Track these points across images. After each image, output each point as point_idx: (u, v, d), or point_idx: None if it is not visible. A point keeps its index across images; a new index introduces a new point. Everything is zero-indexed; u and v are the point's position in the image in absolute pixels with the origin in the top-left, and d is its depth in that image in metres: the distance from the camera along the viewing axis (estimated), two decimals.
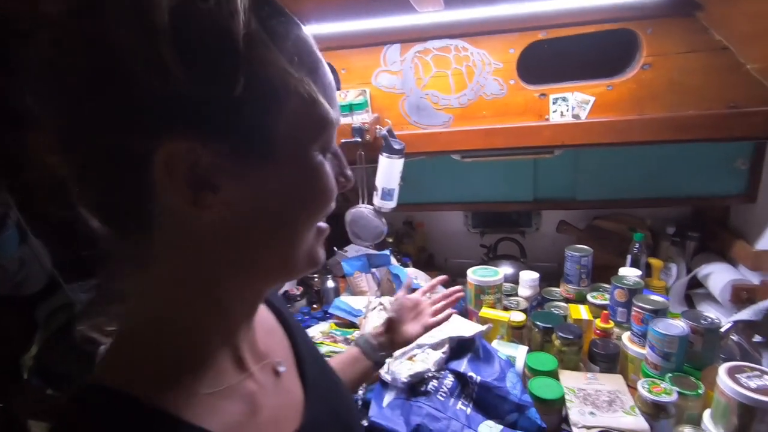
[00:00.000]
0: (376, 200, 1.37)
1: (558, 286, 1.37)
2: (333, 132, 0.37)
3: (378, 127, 1.32)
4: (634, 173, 1.45)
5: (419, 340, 0.98)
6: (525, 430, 0.83)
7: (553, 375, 0.98)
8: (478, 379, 0.88)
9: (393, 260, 1.46)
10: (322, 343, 1.09)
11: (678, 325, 0.94)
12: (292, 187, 0.35)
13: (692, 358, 0.95)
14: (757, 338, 1.00)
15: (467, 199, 1.68)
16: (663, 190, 1.44)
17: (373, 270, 1.41)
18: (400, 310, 0.84)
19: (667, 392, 0.85)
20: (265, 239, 0.36)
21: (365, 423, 0.88)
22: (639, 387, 0.87)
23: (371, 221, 1.41)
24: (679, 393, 0.85)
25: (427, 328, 0.85)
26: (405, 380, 0.90)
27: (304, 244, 0.38)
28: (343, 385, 0.56)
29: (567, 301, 1.29)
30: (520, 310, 1.21)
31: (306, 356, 0.49)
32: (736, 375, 0.75)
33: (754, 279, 1.30)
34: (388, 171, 1.33)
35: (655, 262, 1.43)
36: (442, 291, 0.91)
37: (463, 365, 0.91)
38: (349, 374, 0.72)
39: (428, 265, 1.94)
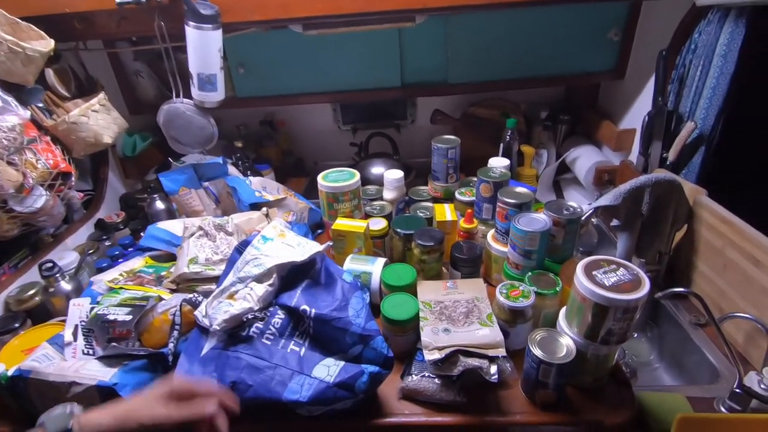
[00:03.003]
0: (194, 92, 1.02)
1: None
2: None
3: None
4: (506, 51, 1.27)
5: (243, 272, 0.76)
6: (370, 362, 0.69)
7: (411, 289, 0.85)
8: (313, 312, 0.70)
9: (232, 169, 1.16)
10: (121, 288, 0.82)
11: (540, 219, 0.84)
12: None
13: (553, 251, 0.88)
14: (614, 222, 0.96)
15: (329, 88, 1.38)
16: (537, 69, 1.30)
17: (206, 184, 1.12)
18: (162, 396, 0.56)
19: (525, 295, 0.76)
20: None
21: None
22: (497, 293, 0.77)
23: (193, 120, 1.07)
24: (537, 293, 0.77)
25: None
26: (218, 327, 0.69)
27: None
28: None
29: (435, 200, 1.15)
30: (383, 216, 1.04)
31: None
32: (593, 272, 0.67)
33: (616, 160, 1.27)
34: (202, 48, 0.97)
35: (527, 149, 1.34)
36: None
37: (295, 298, 0.72)
38: None
39: (296, 171, 1.69)
